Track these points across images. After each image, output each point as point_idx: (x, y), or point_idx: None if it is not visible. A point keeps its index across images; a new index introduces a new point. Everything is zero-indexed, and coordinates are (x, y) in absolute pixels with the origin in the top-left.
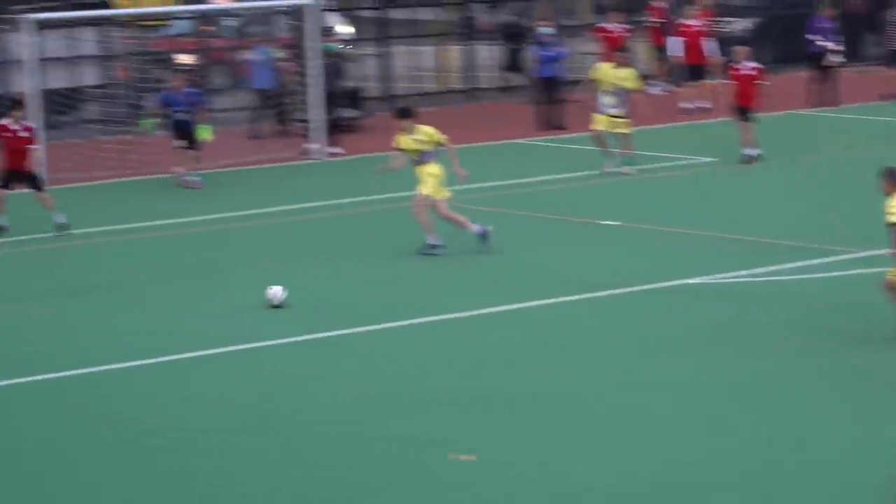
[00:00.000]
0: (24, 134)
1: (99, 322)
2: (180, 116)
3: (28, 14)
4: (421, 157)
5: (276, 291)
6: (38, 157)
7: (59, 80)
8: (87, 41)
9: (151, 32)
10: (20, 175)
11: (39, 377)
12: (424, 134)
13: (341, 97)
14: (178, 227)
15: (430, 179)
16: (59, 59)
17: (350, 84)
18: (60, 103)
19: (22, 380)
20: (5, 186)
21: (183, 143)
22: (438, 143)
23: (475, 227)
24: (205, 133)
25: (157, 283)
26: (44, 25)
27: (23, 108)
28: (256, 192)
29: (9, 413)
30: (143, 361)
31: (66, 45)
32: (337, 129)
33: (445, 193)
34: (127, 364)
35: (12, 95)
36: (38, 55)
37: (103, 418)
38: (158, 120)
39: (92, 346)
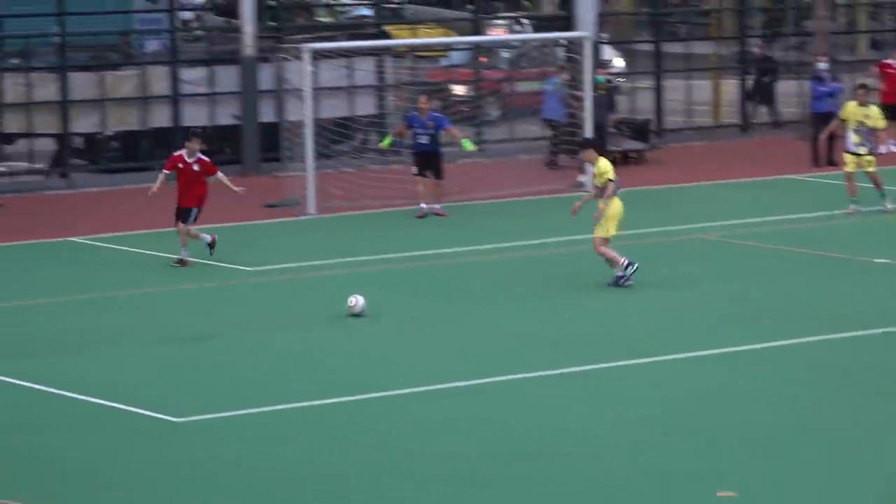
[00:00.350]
0: (196, 167)
1: (361, 348)
2: (422, 139)
3: (306, 44)
4: (600, 192)
5: (358, 301)
6: (221, 180)
7: (333, 109)
8: (363, 71)
9: (428, 63)
10: (182, 209)
11: (312, 403)
12: (599, 169)
13: (630, 129)
14: (434, 258)
15: (604, 218)
16: (334, 88)
17: (639, 117)
18: (334, 132)
19: (296, 405)
20: (180, 220)
21: (419, 169)
22: (607, 180)
23: (623, 261)
24: (468, 145)
25: (414, 311)
26: (320, 55)
27: (199, 141)
28: (521, 223)
29: (287, 437)
30: (412, 389)
31: (342, 75)
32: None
33: (611, 232)
34: (395, 392)
35: (193, 128)
36: (313, 84)
37: (377, 445)
38: (396, 138)
39: (359, 373)
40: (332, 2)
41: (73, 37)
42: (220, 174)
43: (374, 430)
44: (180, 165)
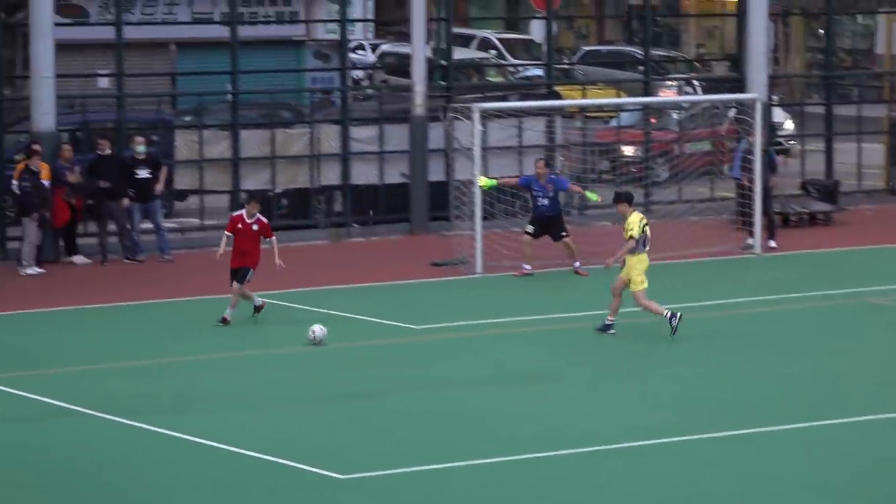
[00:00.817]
0: (256, 227)
1: (530, 408)
2: (541, 202)
3: (476, 103)
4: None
5: (316, 332)
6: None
7: (502, 168)
8: (532, 131)
9: (597, 123)
10: (239, 271)
11: (479, 461)
12: (628, 223)
13: (818, 190)
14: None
15: (633, 272)
16: (503, 148)
17: (825, 179)
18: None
19: (464, 463)
20: (236, 280)
21: (535, 230)
22: (630, 236)
23: (666, 313)
24: (593, 196)
25: (583, 371)
26: (490, 115)
27: (257, 205)
28: (689, 284)
29: (454, 497)
30: (582, 449)
31: (511, 135)
32: (770, 223)
33: (643, 285)
34: (565, 452)
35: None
36: (482, 143)
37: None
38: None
39: (528, 432)
40: (503, 62)
41: (245, 95)
42: (274, 239)
43: (543, 492)
44: (240, 226)
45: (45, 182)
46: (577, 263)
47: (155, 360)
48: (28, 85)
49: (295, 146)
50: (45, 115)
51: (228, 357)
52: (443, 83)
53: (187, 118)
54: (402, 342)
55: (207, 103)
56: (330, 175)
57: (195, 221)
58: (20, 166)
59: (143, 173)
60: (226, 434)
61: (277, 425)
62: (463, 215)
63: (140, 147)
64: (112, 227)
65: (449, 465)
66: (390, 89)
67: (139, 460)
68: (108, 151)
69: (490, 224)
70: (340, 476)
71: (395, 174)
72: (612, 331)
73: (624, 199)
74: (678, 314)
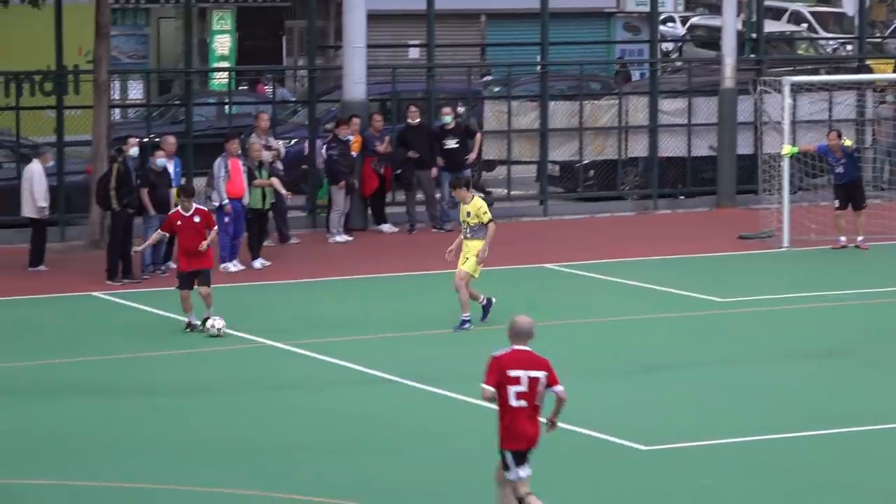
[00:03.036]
0: (197, 219)
1: (835, 383)
2: (837, 171)
3: (786, 77)
4: (470, 232)
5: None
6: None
7: (811, 142)
8: (842, 105)
9: None
10: (200, 273)
11: (784, 435)
12: (473, 208)
13: None
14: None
15: (473, 257)
16: (812, 121)
17: None
18: (811, 165)
19: (768, 437)
20: (204, 284)
21: (839, 203)
22: (481, 222)
23: (481, 298)
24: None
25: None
26: (800, 88)
27: (187, 195)
28: None
29: (757, 469)
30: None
31: (821, 109)
32: None
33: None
34: (871, 427)
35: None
36: (792, 117)
37: (850, 483)
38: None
39: (835, 407)
40: (814, 35)
41: (554, 67)
42: (213, 230)
43: (849, 466)
44: (179, 223)
45: (354, 153)
46: (861, 239)
47: (447, 329)
48: (340, 55)
49: (603, 118)
50: (356, 85)
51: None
52: (753, 56)
53: (496, 89)
54: (705, 315)
55: (516, 74)
56: (637, 147)
57: (502, 192)
58: (332, 135)
59: (451, 143)
60: None
61: (580, 396)
62: (771, 189)
63: (447, 117)
64: (420, 196)
65: (751, 438)
66: (700, 62)
67: (451, 426)
68: (417, 121)
69: (797, 198)
70: (642, 447)
71: (702, 147)
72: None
73: (463, 184)
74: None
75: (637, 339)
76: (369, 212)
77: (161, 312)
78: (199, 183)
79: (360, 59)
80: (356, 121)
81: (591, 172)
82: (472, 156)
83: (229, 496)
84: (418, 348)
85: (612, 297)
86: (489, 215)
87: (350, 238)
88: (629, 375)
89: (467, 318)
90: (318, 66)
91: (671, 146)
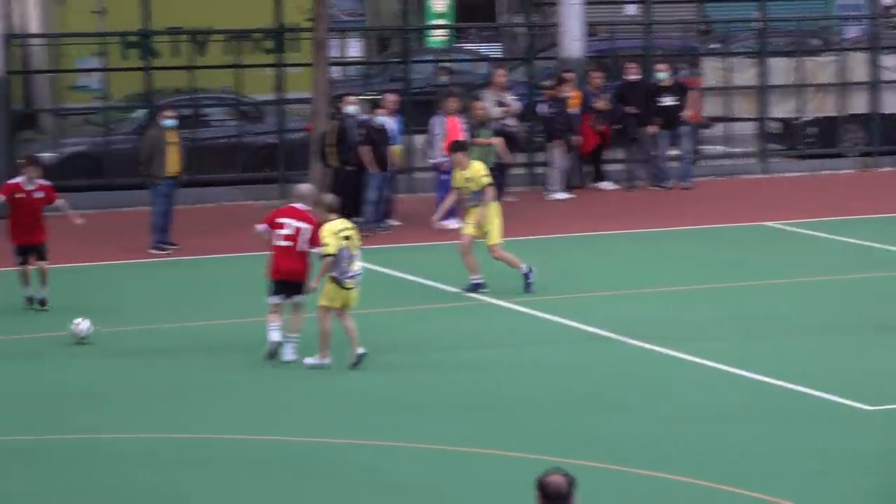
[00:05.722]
0: (39, 194)
1: None
2: None
3: None
4: (471, 198)
5: (82, 326)
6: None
7: None
8: None
9: None
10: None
11: None
12: (472, 172)
13: None
14: None
15: (473, 221)
16: None
17: None
18: None
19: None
20: (41, 258)
21: None
22: (480, 186)
23: (523, 267)
24: None
25: None
26: None
27: (34, 165)
28: None
29: None
30: None
31: None
32: None
33: (473, 232)
34: None
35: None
36: None
37: None
38: None
39: None
40: None
41: (773, 23)
42: (61, 202)
43: None
44: (18, 195)
45: (574, 110)
46: None
47: (666, 287)
48: (557, 12)
49: (823, 74)
50: (573, 42)
51: (735, 287)
52: None
53: (715, 45)
54: None
55: (735, 31)
56: (858, 104)
57: (720, 149)
58: (549, 93)
59: (667, 100)
60: (746, 362)
61: (801, 355)
62: None
63: (662, 74)
64: (639, 153)
65: None
66: None
67: (673, 385)
68: (635, 77)
69: None
70: (867, 407)
71: None
72: (481, 289)
73: (459, 148)
74: (532, 267)
75: (864, 299)
76: (588, 169)
77: (383, 270)
78: (418, 140)
79: (577, 15)
80: (571, 75)
81: (811, 130)
82: (686, 112)
83: (461, 454)
84: (637, 306)
85: (835, 255)
86: (488, 178)
87: (570, 195)
88: (850, 335)
89: (477, 281)
90: (535, 24)
91: (893, 102)
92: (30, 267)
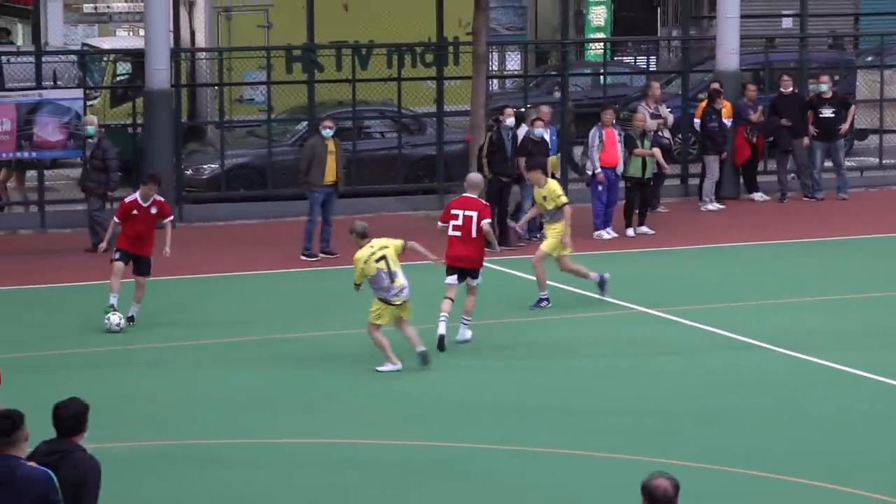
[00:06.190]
0: (154, 210)
1: None
2: None
3: None
4: (549, 215)
5: (113, 319)
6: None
7: None
8: None
9: None
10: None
11: None
12: (549, 192)
13: None
14: None
15: (553, 237)
16: None
17: None
18: None
19: None
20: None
21: None
22: (557, 206)
23: (593, 276)
24: None
25: None
26: None
27: (154, 184)
28: None
29: None
30: None
31: None
32: None
33: (565, 251)
34: None
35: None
36: None
37: None
38: None
39: None
40: None
41: None
42: (169, 219)
43: None
44: (135, 212)
45: (727, 121)
46: None
47: (807, 297)
48: (714, 25)
49: None
50: (729, 55)
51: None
52: None
53: (869, 58)
54: None
55: (889, 43)
56: None
57: (873, 161)
58: (702, 105)
59: (826, 112)
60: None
61: None
62: None
63: (824, 86)
64: (792, 164)
65: None
66: None
67: (824, 392)
68: (790, 90)
69: None
70: None
71: None
72: (545, 304)
73: (536, 167)
74: (605, 276)
75: None
76: (741, 180)
77: (532, 278)
78: (577, 152)
79: (734, 29)
80: (718, 87)
81: None
82: (845, 126)
83: (607, 460)
84: (788, 316)
85: None
86: (564, 198)
87: (722, 206)
88: None
89: (544, 297)
90: (691, 37)
91: None
92: (124, 268)
